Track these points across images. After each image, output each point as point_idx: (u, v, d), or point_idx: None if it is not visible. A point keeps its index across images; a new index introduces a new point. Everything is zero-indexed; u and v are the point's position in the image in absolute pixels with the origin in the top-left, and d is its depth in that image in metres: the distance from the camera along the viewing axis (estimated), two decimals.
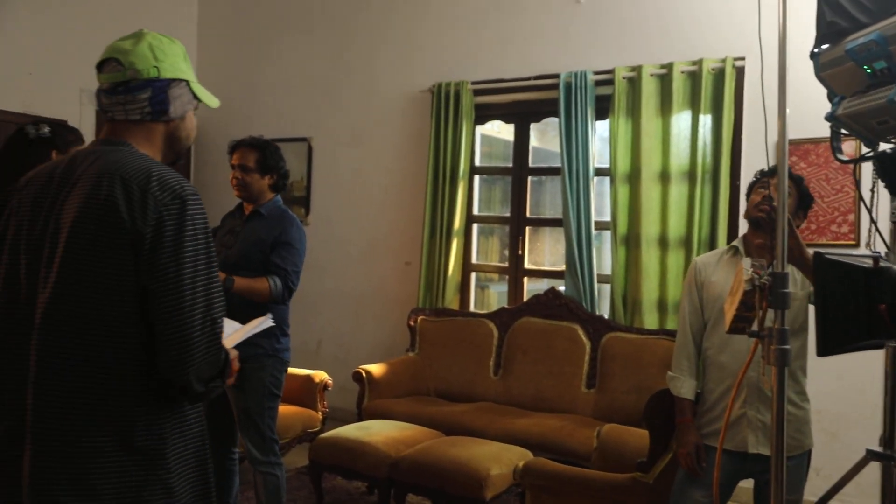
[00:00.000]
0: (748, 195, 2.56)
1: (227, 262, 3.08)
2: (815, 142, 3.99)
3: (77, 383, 1.42)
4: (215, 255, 1.55)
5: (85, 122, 5.42)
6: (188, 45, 6.23)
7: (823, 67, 1.97)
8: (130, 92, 1.59)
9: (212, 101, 1.77)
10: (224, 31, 6.35)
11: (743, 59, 4.20)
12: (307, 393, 4.43)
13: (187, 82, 1.68)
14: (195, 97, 1.70)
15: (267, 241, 3.12)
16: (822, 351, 1.77)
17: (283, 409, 4.20)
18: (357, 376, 4.53)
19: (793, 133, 3.95)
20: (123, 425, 1.44)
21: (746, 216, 2.51)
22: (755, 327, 1.84)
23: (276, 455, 3.18)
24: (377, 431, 3.81)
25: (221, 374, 1.55)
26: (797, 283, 2.35)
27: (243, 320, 2.97)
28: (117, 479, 1.43)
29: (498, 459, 3.46)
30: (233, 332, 2.00)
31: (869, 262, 1.75)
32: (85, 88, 5.55)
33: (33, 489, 1.42)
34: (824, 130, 2.16)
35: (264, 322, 2.19)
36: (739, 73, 4.22)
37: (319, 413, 4.40)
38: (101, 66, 1.64)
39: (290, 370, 4.55)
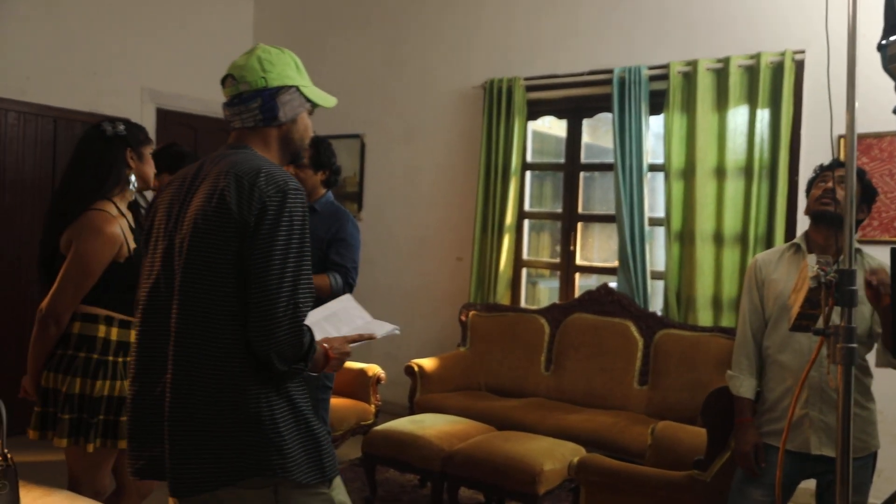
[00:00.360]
0: (808, 191, 2.51)
1: None
2: (879, 136, 3.89)
3: (201, 358, 1.62)
4: (309, 247, 1.65)
5: (146, 119, 5.58)
6: (243, 44, 6.37)
7: (892, 59, 1.93)
8: (243, 102, 1.77)
9: (327, 101, 1.88)
10: (279, 28, 6.45)
11: (803, 52, 4.12)
12: (360, 386, 4.50)
13: (297, 88, 1.81)
14: (307, 100, 1.83)
15: (324, 237, 3.15)
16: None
17: (338, 401, 4.28)
18: (409, 370, 4.58)
19: (857, 127, 3.86)
20: (238, 395, 1.61)
21: (807, 212, 2.47)
22: (819, 325, 1.82)
23: None
24: (430, 425, 3.85)
25: (305, 357, 1.66)
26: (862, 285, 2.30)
27: None
28: (235, 443, 1.61)
29: (551, 455, 3.47)
30: (352, 331, 2.09)
31: None
32: (146, 87, 5.72)
33: (171, 452, 1.63)
34: (889, 124, 2.12)
35: (393, 329, 2.23)
36: (799, 66, 4.13)
37: (372, 406, 4.46)
38: (223, 83, 1.82)
39: (345, 364, 4.64)
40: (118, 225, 2.38)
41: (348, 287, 3.12)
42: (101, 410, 2.33)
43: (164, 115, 5.83)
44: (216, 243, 1.61)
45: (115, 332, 2.38)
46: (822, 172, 2.47)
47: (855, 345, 1.71)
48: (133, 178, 2.47)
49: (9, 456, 1.99)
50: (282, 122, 1.79)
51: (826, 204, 2.38)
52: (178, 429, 1.62)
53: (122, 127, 2.46)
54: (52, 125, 5.01)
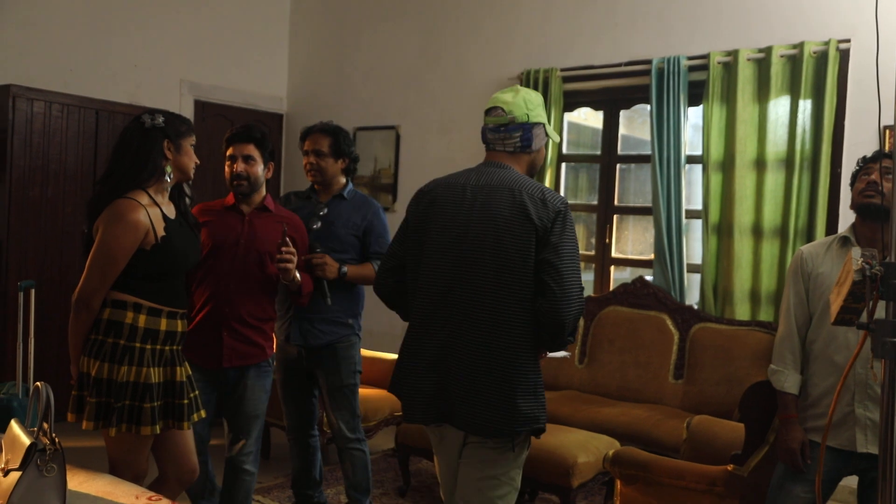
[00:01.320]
0: (852, 184, 2.47)
1: (323, 244, 3.14)
2: None
3: (496, 332, 2.08)
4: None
5: (184, 111, 5.66)
6: (280, 35, 6.43)
7: None
8: (508, 131, 2.22)
9: (555, 137, 2.36)
10: (315, 19, 6.49)
11: (848, 41, 4.02)
12: None
13: (543, 125, 2.26)
14: (546, 135, 2.28)
15: (359, 224, 3.20)
16: None
17: (371, 392, 4.31)
18: None
19: None
20: (518, 362, 2.08)
21: (853, 206, 2.42)
22: (863, 319, 1.78)
23: (361, 432, 3.27)
24: None
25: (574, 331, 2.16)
26: None
27: (341, 302, 3.05)
28: (515, 401, 2.07)
29: (585, 447, 3.46)
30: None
31: None
32: (185, 79, 5.79)
33: (469, 402, 2.09)
34: None
35: (565, 355, 2.49)
36: (844, 55, 4.04)
37: None
38: (488, 112, 2.25)
39: (378, 354, 4.67)
40: (144, 213, 2.39)
41: None
42: (125, 396, 2.36)
43: (201, 107, 5.91)
44: (516, 242, 2.08)
45: (142, 320, 2.40)
46: (865, 165, 2.42)
47: None
48: (169, 168, 2.49)
49: (57, 440, 2.05)
50: (532, 150, 2.25)
51: (870, 196, 2.33)
52: (478, 385, 2.07)
53: (160, 119, 2.48)
54: (94, 117, 5.10)
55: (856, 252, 1.82)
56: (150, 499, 2.17)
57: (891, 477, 1.70)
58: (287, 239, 2.84)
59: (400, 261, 2.29)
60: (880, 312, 1.73)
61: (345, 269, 3.10)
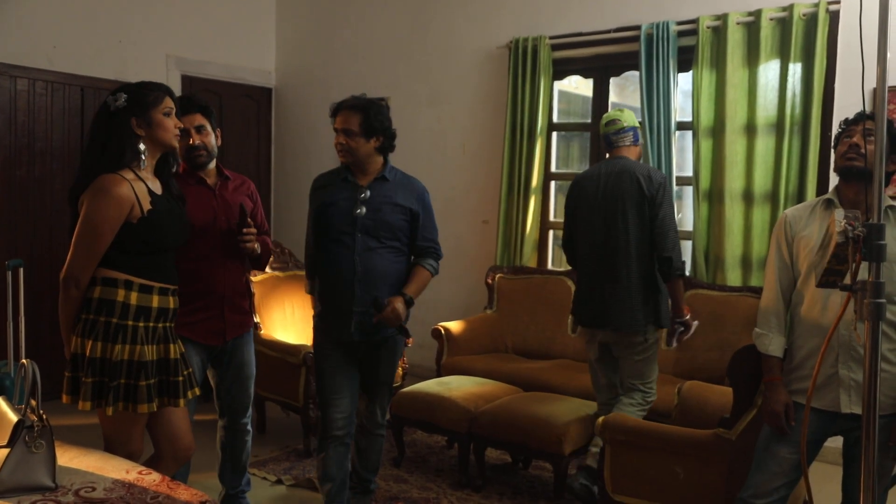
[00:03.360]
0: (835, 146, 2.45)
1: (366, 229, 2.90)
2: None
3: (635, 265, 3.30)
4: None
5: (171, 86, 5.57)
6: (268, 7, 6.37)
7: None
8: (625, 132, 3.43)
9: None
10: None
11: (837, 2, 3.99)
12: None
13: (637, 128, 3.50)
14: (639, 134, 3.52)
15: (406, 206, 2.95)
16: None
17: None
18: (436, 333, 4.61)
19: (893, 79, 3.74)
20: (651, 280, 3.33)
21: (835, 168, 2.41)
22: (847, 281, 1.79)
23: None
24: (457, 387, 3.88)
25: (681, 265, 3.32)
26: (895, 241, 2.24)
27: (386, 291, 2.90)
28: (649, 306, 3.35)
29: (577, 415, 3.49)
30: None
31: None
32: (171, 54, 5.73)
33: (615, 309, 3.31)
34: None
35: None
36: (833, 17, 4.01)
37: (400, 369, 4.50)
38: (607, 124, 3.46)
39: None
40: (128, 186, 2.36)
41: (438, 260, 3.07)
42: (121, 374, 2.35)
43: (189, 82, 5.85)
44: (639, 209, 3.27)
45: (134, 297, 2.38)
46: (847, 127, 2.41)
47: (883, 300, 1.69)
48: (143, 146, 2.42)
49: (44, 416, 2.05)
50: (638, 144, 3.48)
51: (852, 159, 2.32)
52: (625, 298, 3.29)
53: (122, 98, 2.41)
54: (79, 94, 5.06)
55: (839, 214, 1.82)
56: (140, 472, 2.18)
57: (874, 435, 1.72)
58: (247, 219, 2.86)
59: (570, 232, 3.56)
60: (864, 274, 1.74)
61: (410, 296, 2.94)
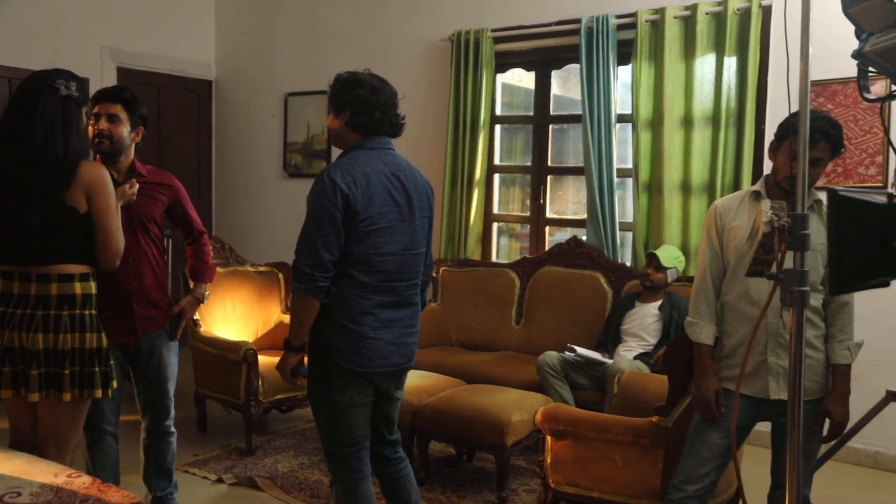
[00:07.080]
0: (773, 152, 2.45)
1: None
2: (844, 82, 3.89)
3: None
4: None
5: (106, 78, 5.44)
6: (206, 1, 6.20)
7: (851, 3, 1.90)
8: None
9: None
10: None
11: None
12: None
13: None
14: None
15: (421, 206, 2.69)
16: (836, 289, 1.75)
17: None
18: None
19: (820, 73, 3.85)
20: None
21: (780, 178, 2.41)
22: (774, 270, 1.83)
23: None
24: None
25: None
26: (821, 233, 2.30)
27: None
28: None
29: (519, 406, 3.50)
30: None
31: (883, 199, 1.72)
32: (105, 45, 5.57)
33: None
34: (853, 70, 2.08)
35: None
36: (766, 12, 4.11)
37: None
38: None
39: None
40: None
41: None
42: (74, 363, 2.44)
43: (125, 74, 5.70)
44: None
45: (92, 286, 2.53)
46: (780, 143, 2.41)
47: (807, 288, 1.72)
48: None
49: None
50: None
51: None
52: None
53: (74, 87, 2.39)
54: (6, 85, 4.88)
55: (765, 204, 1.86)
56: (70, 475, 2.12)
57: (798, 419, 1.76)
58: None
59: None
60: (789, 262, 1.78)
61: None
